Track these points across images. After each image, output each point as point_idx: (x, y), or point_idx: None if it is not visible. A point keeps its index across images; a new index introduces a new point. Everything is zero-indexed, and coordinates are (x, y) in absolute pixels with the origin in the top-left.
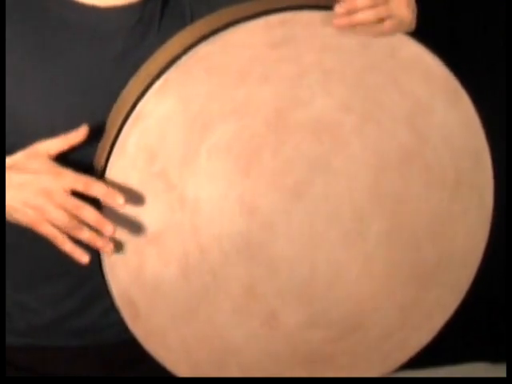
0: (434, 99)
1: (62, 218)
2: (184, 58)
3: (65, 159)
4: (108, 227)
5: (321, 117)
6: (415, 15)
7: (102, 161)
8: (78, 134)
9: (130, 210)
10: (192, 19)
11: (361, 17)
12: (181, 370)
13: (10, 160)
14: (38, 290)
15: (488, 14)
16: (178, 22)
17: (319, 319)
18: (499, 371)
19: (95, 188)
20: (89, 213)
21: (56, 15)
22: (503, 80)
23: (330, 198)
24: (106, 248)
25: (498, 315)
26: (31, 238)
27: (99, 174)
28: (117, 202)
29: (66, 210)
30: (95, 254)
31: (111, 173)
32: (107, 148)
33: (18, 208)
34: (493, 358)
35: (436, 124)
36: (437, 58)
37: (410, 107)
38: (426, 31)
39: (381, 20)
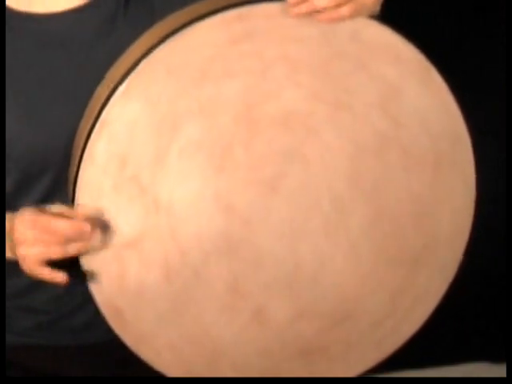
0: (406, 81)
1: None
2: (144, 61)
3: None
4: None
5: (291, 108)
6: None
7: (74, 168)
8: None
9: (105, 218)
10: (161, 9)
11: (318, 3)
12: (174, 373)
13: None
14: (38, 291)
15: (488, 13)
16: (146, 14)
17: (308, 311)
18: (499, 371)
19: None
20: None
21: (15, 30)
22: (503, 78)
23: (307, 188)
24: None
25: (498, 315)
26: None
27: (72, 183)
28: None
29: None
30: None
31: (83, 181)
32: (78, 155)
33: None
34: (493, 358)
35: (410, 106)
36: (403, 39)
37: (382, 91)
38: (426, 31)
39: (340, 5)
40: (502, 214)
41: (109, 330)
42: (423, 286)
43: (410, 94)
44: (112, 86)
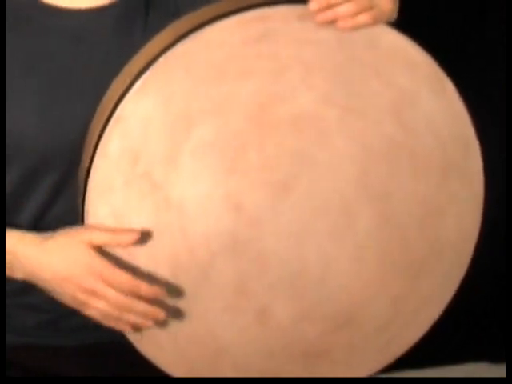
0: (418, 88)
1: (102, 307)
2: (162, 58)
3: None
4: (160, 315)
5: (304, 111)
6: (397, 5)
7: (86, 164)
8: (129, 236)
9: (116, 213)
10: (178, 16)
11: (342, 10)
12: (175, 371)
13: (50, 244)
14: (37, 289)
15: (488, 12)
16: (164, 20)
17: (312, 313)
18: (499, 371)
19: (142, 290)
20: (141, 305)
21: (37, 22)
22: (503, 78)
23: (316, 191)
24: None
25: (498, 315)
26: None
27: (83, 178)
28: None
29: (107, 301)
30: None
31: (95, 176)
32: (90, 152)
33: (56, 292)
34: (493, 358)
35: (421, 113)
36: (419, 47)
37: (394, 97)
38: (426, 31)
39: (360, 12)
40: (502, 214)
41: (109, 331)
42: (428, 292)
43: (422, 101)
44: (128, 81)
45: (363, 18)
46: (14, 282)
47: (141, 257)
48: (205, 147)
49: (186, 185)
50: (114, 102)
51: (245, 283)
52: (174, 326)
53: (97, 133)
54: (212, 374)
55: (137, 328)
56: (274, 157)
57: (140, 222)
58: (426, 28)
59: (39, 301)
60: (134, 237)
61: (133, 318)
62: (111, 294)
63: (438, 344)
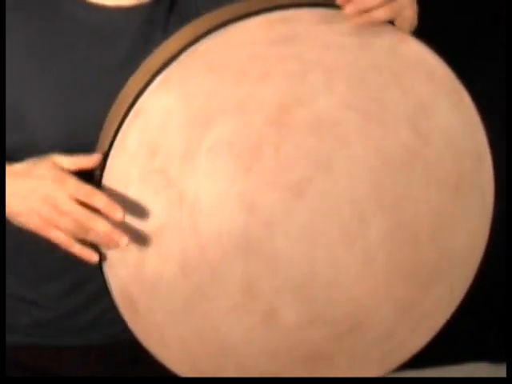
0: (437, 99)
1: (67, 225)
2: (185, 55)
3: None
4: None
5: (322, 115)
6: (416, 12)
7: (102, 156)
8: (91, 160)
9: (129, 207)
10: None
11: (376, 15)
12: (179, 368)
13: (17, 167)
14: (43, 286)
15: (488, 13)
16: (184, 24)
17: (318, 317)
18: (499, 371)
19: (95, 199)
20: (100, 223)
21: (65, 13)
22: (503, 78)
23: (330, 196)
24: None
25: (498, 315)
26: (34, 235)
27: (99, 170)
28: (116, 215)
29: (71, 217)
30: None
31: (111, 168)
32: (107, 144)
33: (23, 214)
34: (493, 358)
35: (438, 124)
36: (439, 57)
37: (413, 107)
38: (427, 30)
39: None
40: (502, 214)
41: (110, 332)
42: (433, 303)
43: (439, 112)
44: (149, 75)
45: (379, 12)
46: (20, 278)
47: (150, 252)
48: (222, 146)
49: (201, 182)
50: (134, 94)
51: (253, 283)
52: (182, 323)
53: (115, 124)
54: (215, 373)
55: (104, 257)
56: (289, 159)
57: (153, 217)
58: (431, 30)
59: (42, 298)
60: (94, 160)
61: (96, 237)
62: (72, 206)
63: (438, 344)
